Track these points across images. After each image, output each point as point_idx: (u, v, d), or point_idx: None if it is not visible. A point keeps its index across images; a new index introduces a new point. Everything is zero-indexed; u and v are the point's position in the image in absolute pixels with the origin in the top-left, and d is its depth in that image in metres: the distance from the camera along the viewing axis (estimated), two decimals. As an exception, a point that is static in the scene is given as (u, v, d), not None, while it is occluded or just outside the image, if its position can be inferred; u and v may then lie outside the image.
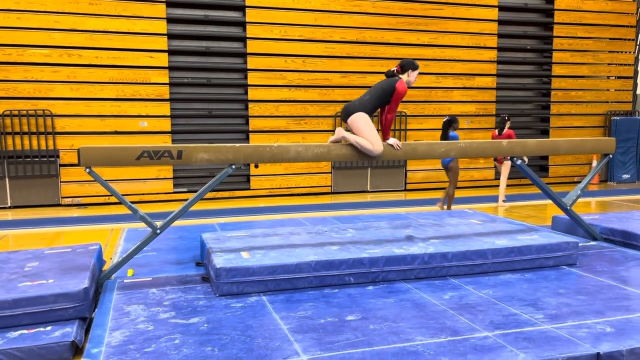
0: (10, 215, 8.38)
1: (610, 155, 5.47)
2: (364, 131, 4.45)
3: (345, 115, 4.58)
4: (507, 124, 8.85)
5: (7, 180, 8.82)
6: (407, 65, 4.64)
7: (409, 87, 4.63)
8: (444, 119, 7.86)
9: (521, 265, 4.45)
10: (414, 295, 3.81)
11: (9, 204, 8.85)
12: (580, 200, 5.66)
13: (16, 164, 8.81)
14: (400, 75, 4.61)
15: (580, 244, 4.95)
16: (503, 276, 4.27)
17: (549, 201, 6.49)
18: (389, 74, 4.65)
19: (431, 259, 4.24)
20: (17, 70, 8.75)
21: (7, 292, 3.32)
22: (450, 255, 4.28)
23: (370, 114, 4.53)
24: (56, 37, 8.88)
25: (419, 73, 4.66)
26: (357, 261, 4.07)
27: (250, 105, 10.00)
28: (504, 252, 4.41)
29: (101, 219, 7.75)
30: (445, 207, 8.08)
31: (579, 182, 8.83)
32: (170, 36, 9.54)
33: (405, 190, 10.96)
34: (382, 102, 4.56)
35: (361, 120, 4.47)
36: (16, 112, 8.74)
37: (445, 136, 7.72)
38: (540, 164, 12.07)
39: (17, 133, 8.79)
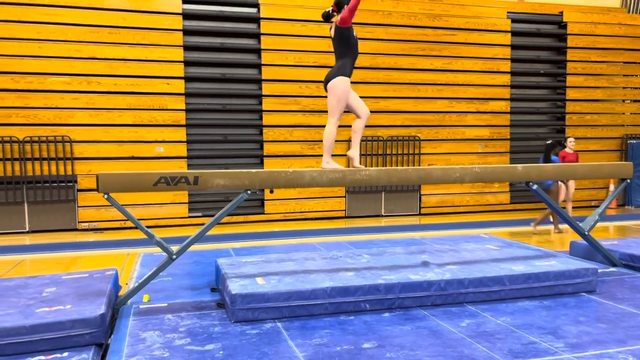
0: (28, 239, 8.48)
1: (628, 180, 5.42)
2: (332, 104, 4.61)
3: (325, 82, 4.69)
4: (568, 144, 8.92)
5: (25, 205, 8.95)
6: (342, 1, 4.62)
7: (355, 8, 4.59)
8: (547, 142, 8.06)
9: (539, 292, 4.39)
10: (431, 322, 3.77)
11: (27, 229, 8.96)
12: (598, 224, 5.59)
13: (35, 189, 8.95)
14: (339, 15, 4.61)
15: (599, 270, 4.87)
16: (521, 303, 4.21)
17: (567, 226, 6.42)
18: (325, 15, 4.71)
19: (448, 285, 4.20)
20: (38, 98, 8.95)
21: (25, 317, 3.35)
22: (466, 281, 4.23)
23: (345, 69, 4.61)
24: (76, 66, 9.09)
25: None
26: (373, 287, 4.04)
27: (265, 130, 10.09)
28: (522, 279, 4.36)
29: (117, 244, 7.80)
30: (537, 226, 8.39)
31: (597, 206, 8.72)
32: (187, 63, 9.72)
33: (420, 214, 10.91)
34: (343, 43, 4.61)
35: (333, 90, 4.59)
36: (36, 138, 8.91)
37: (547, 159, 7.88)
38: (557, 188, 11.94)
39: (37, 159, 8.94)
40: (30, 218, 8.98)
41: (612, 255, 5.41)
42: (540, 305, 4.16)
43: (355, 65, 4.89)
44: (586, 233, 5.27)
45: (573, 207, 9.84)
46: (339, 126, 4.93)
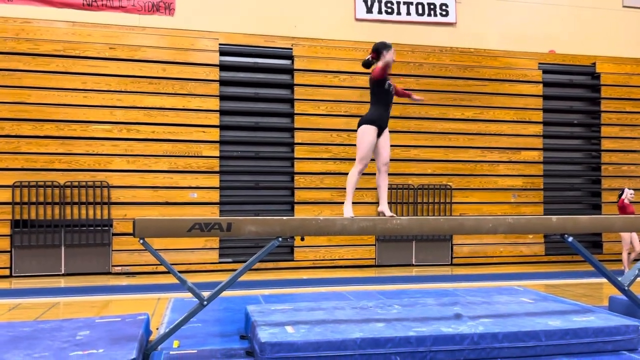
0: (62, 282, 8.66)
1: (669, 233, 5.26)
2: (357, 150, 4.74)
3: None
4: (625, 195, 8.94)
5: (62, 248, 9.18)
6: (379, 48, 4.72)
7: (391, 62, 4.70)
8: None
9: (578, 349, 4.22)
10: (464, 377, 3.66)
11: (63, 271, 9.16)
12: (638, 279, 5.39)
13: (72, 232, 9.20)
14: (378, 63, 4.70)
15: (641, 328, 4.67)
16: (558, 360, 4.05)
17: (605, 279, 6.21)
18: (366, 63, 4.83)
19: (481, 339, 4.08)
20: (80, 145, 9.33)
21: (59, 360, 3.40)
22: (501, 335, 4.11)
23: (373, 117, 4.71)
24: (117, 114, 9.48)
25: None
26: (404, 339, 3.96)
27: (296, 177, 10.22)
28: (559, 334, 4.21)
29: (148, 288, 7.88)
30: None
31: (637, 259, 8.43)
32: (222, 112, 10.03)
33: (452, 264, 10.72)
34: (374, 92, 4.74)
35: (358, 136, 4.74)
36: (76, 184, 9.23)
37: None
38: (594, 240, 11.62)
39: (76, 203, 9.23)
40: (66, 261, 9.19)
41: (654, 311, 5.18)
42: (579, 363, 4.00)
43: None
44: (626, 288, 5.08)
45: (610, 260, 9.57)
46: (366, 173, 4.98)
